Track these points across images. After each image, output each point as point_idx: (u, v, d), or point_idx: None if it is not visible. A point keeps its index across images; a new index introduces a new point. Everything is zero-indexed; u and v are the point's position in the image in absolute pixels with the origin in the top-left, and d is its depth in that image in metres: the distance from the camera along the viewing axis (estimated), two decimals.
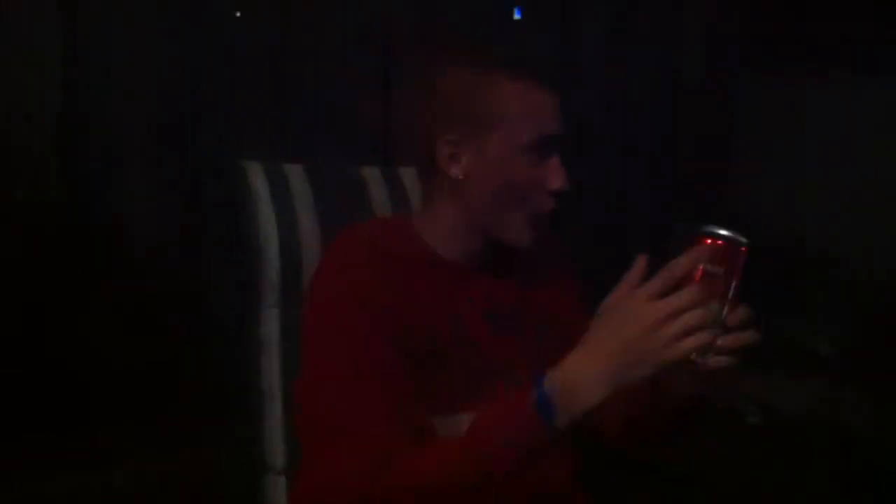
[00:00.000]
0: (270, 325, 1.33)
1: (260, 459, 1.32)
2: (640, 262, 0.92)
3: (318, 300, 1.13)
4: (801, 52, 2.97)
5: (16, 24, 2.02)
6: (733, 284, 0.93)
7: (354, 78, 2.32)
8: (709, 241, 0.92)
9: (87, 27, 2.12)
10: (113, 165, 2.20)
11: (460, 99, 1.13)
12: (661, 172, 3.00)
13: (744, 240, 0.93)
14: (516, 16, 2.68)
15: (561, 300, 1.27)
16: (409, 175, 1.46)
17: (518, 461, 0.92)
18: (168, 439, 2.14)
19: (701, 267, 0.91)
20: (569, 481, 1.21)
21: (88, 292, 2.15)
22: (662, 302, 0.87)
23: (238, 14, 2.31)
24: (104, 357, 2.17)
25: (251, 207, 1.34)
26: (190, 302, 2.21)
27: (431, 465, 0.96)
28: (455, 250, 1.20)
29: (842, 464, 2.25)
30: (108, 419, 2.10)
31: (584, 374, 0.89)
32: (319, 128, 2.34)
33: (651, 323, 0.86)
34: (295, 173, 1.40)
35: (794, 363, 2.69)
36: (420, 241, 1.21)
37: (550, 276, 1.28)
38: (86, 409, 2.10)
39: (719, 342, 0.92)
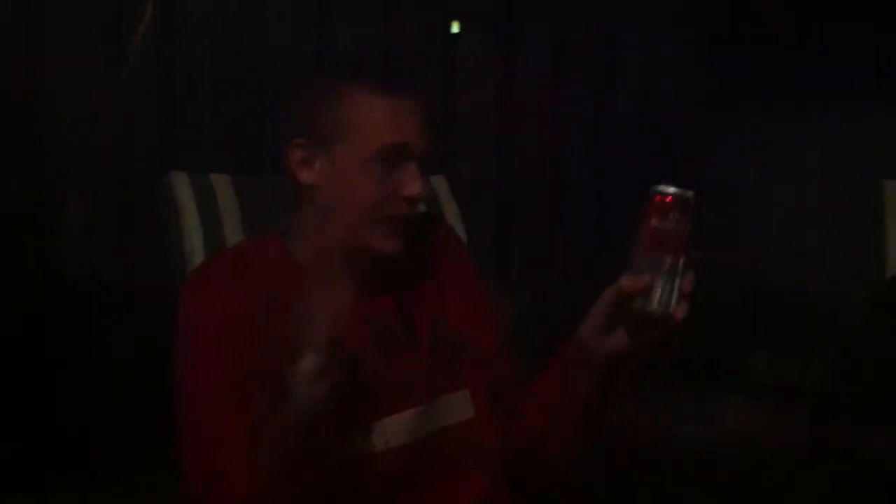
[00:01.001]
0: None
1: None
2: None
3: (183, 318, 1.14)
4: (763, 91, 3.04)
5: None
6: (687, 233, 1.03)
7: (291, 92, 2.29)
8: (657, 198, 1.03)
9: (20, 61, 2.08)
10: (47, 195, 2.15)
11: (314, 106, 1.15)
12: (620, 207, 3.00)
13: (690, 193, 1.03)
14: (454, 30, 2.69)
15: (459, 302, 1.26)
16: None
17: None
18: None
19: (657, 225, 1.02)
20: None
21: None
22: None
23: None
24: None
25: (175, 218, 1.32)
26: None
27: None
28: None
29: (776, 483, 2.28)
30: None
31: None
32: (257, 138, 2.32)
33: None
34: (222, 183, 1.39)
35: (731, 383, 2.73)
36: (288, 258, 1.19)
37: (446, 278, 1.27)
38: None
39: (683, 287, 1.03)
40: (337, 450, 1.06)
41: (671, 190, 1.03)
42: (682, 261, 1.04)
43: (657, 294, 1.04)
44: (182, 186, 1.35)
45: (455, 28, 2.69)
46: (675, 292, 1.04)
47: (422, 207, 1.19)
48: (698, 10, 3.10)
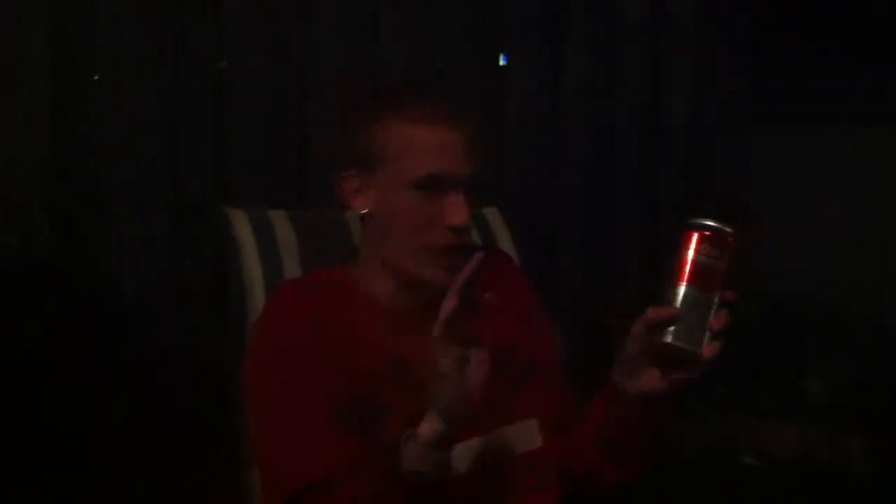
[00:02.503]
0: None
1: None
2: None
3: (254, 354, 1.18)
4: (797, 101, 3.02)
5: (2, 69, 2.01)
6: (724, 270, 1.01)
7: (339, 122, 2.32)
8: (696, 233, 1.01)
9: (76, 73, 2.12)
10: (101, 213, 2.18)
11: (360, 136, 1.17)
12: (646, 219, 3.00)
13: (729, 229, 1.02)
14: (502, 61, 2.71)
15: (523, 329, 1.27)
16: None
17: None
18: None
19: (691, 259, 1.00)
20: None
21: (76, 345, 2.11)
22: None
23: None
24: (93, 413, 2.13)
25: (235, 254, 1.35)
26: (180, 355, 2.18)
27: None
28: (392, 293, 1.21)
29: None
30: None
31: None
32: (306, 172, 2.35)
33: None
34: (279, 219, 1.41)
35: (787, 407, 2.69)
36: (355, 288, 1.22)
37: (509, 305, 1.25)
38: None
39: (714, 324, 1.01)
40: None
41: (710, 224, 1.02)
42: (715, 298, 1.01)
43: (685, 329, 1.01)
44: (241, 223, 1.37)
45: (502, 60, 2.71)
46: (707, 330, 1.01)
47: (472, 236, 1.20)
48: (747, 26, 3.10)
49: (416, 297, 1.18)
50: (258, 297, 1.33)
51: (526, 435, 1.22)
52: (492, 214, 1.56)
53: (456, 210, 1.14)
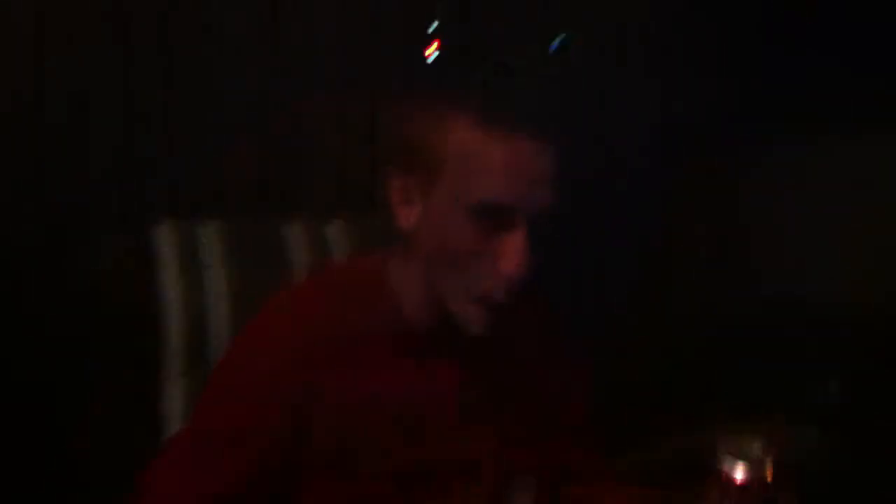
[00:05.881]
0: (173, 398, 1.21)
1: None
2: None
3: (231, 347, 1.08)
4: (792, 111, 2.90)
5: None
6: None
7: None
8: (724, 475, 0.84)
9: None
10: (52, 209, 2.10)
11: (416, 140, 0.97)
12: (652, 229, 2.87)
13: (765, 456, 0.84)
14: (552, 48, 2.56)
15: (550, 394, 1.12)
16: (334, 230, 1.35)
17: None
18: None
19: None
20: None
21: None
22: None
23: None
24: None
25: (149, 270, 1.23)
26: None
27: None
28: (418, 305, 1.04)
29: None
30: None
31: None
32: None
33: None
34: (207, 232, 1.29)
35: (790, 410, 2.56)
36: (385, 295, 1.05)
37: (547, 363, 1.12)
38: None
39: None
40: None
41: (739, 466, 0.84)
42: None
43: None
44: (161, 235, 1.25)
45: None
46: None
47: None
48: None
49: (441, 320, 1.01)
50: (174, 316, 1.22)
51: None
52: None
53: (514, 254, 0.93)
